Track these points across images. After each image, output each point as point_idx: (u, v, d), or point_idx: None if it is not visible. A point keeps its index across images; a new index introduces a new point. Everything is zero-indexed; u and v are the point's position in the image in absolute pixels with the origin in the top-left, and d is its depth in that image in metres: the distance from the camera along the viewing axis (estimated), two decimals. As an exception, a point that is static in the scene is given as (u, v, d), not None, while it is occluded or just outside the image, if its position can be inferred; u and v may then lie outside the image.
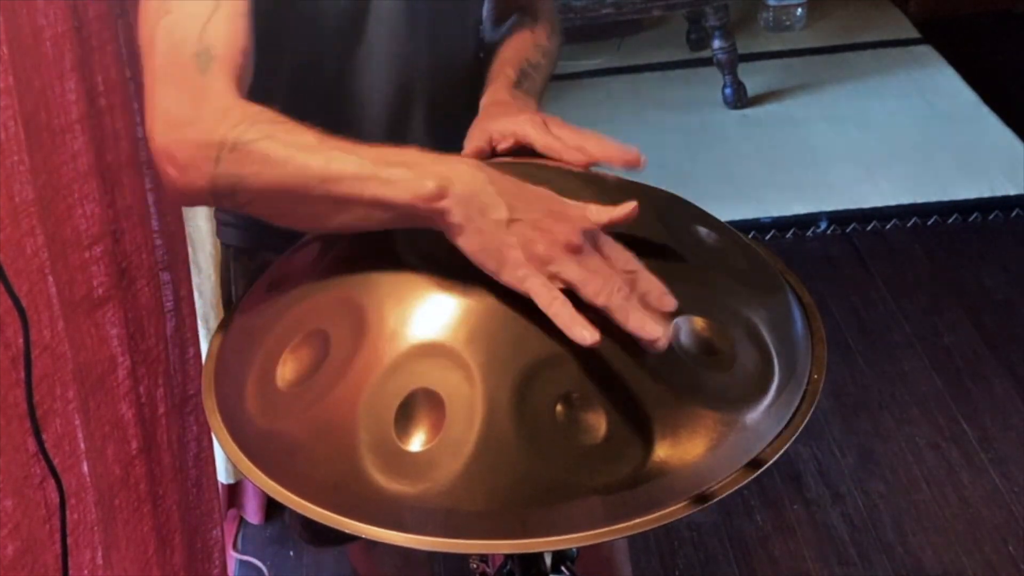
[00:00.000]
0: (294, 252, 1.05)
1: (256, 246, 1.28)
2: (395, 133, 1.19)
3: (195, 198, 0.97)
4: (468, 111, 1.15)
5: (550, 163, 1.04)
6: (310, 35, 1.12)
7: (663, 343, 0.81)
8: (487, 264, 0.85)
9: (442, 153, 0.89)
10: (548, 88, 1.26)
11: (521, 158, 1.06)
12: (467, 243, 0.85)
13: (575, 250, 0.84)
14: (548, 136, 1.06)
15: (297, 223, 0.95)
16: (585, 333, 0.80)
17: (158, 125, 0.94)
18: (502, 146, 1.08)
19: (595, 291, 0.82)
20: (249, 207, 0.93)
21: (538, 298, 0.83)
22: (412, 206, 0.85)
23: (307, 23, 1.11)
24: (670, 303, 0.84)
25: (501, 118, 1.10)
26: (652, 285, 0.84)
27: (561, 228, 0.84)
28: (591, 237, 0.85)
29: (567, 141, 1.05)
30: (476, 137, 1.09)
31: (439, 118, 1.22)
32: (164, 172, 0.94)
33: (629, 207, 0.88)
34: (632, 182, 1.06)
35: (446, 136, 1.14)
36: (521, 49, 1.23)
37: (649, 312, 0.82)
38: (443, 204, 0.85)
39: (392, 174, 0.86)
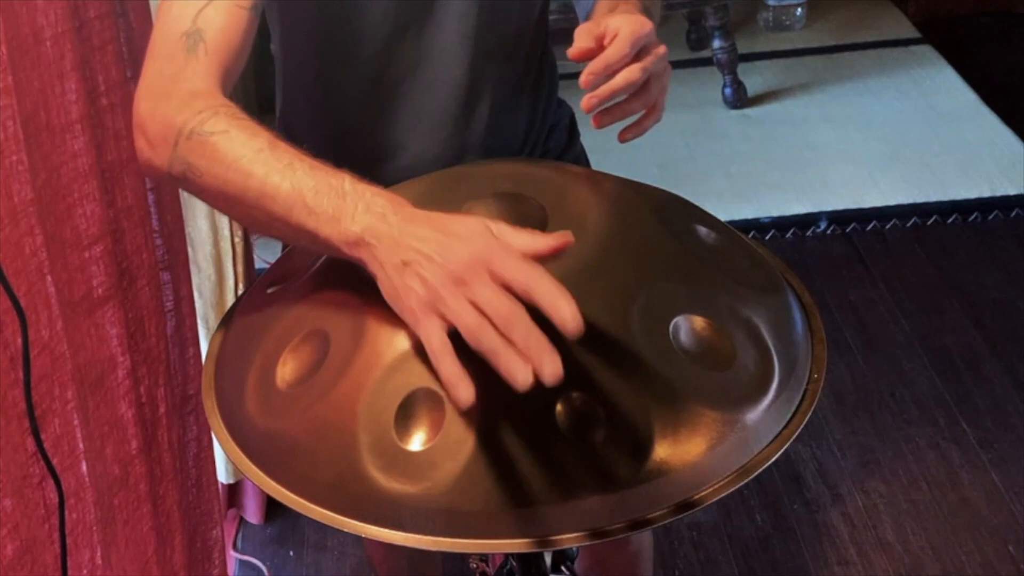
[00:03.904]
0: (293, 252, 1.05)
1: None
2: (463, 116, 1.19)
3: (156, 176, 0.96)
4: (530, 92, 1.12)
5: (551, 163, 1.04)
6: (380, 25, 1.12)
7: (528, 382, 0.73)
8: (399, 313, 0.81)
9: (378, 186, 0.85)
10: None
11: (528, 160, 1.06)
12: (383, 289, 0.82)
13: (459, 283, 0.76)
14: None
15: (241, 222, 0.92)
16: (460, 395, 0.74)
17: (140, 95, 0.95)
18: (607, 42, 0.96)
19: (469, 332, 0.74)
20: (198, 196, 0.93)
21: (428, 348, 0.77)
22: (334, 246, 0.84)
23: (378, 14, 1.11)
24: (574, 327, 0.74)
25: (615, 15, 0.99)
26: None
27: (450, 260, 0.77)
28: (485, 264, 0.76)
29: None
30: (583, 37, 0.97)
31: (504, 99, 1.21)
32: (136, 142, 0.94)
33: (561, 240, 0.79)
34: (631, 181, 1.06)
35: (505, 116, 1.13)
36: None
37: (534, 343, 0.73)
38: (362, 253, 0.82)
39: (320, 205, 0.83)
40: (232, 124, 0.89)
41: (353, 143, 1.21)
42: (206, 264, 1.76)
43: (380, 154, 1.20)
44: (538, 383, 0.72)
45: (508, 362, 0.73)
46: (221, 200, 0.91)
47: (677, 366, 0.86)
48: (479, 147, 1.20)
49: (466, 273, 0.76)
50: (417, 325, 0.78)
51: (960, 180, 2.99)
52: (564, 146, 1.35)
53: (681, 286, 0.90)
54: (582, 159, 1.39)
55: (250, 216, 0.88)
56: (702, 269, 0.94)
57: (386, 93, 1.18)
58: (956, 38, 3.72)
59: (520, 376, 0.72)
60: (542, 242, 0.79)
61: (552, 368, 0.72)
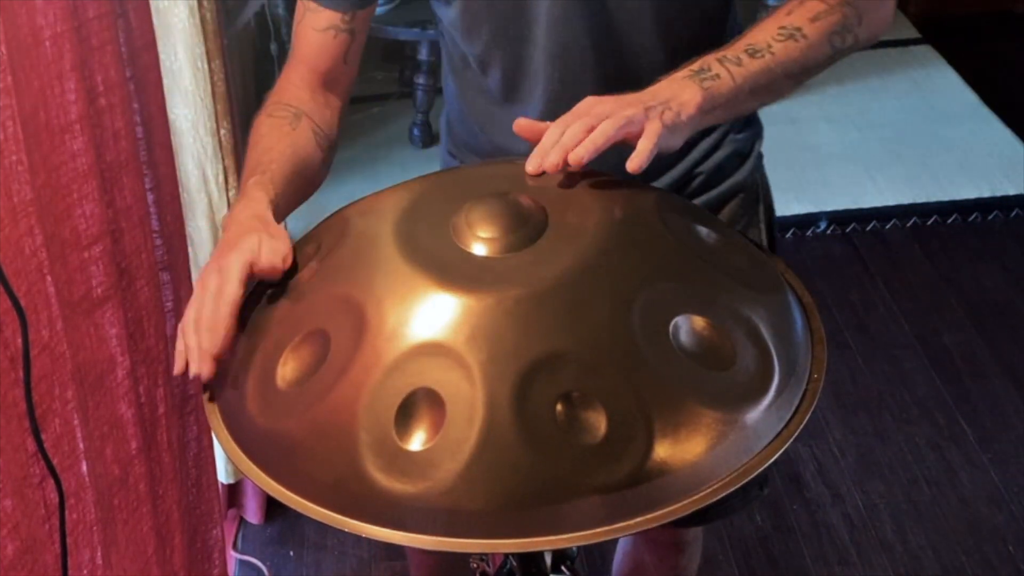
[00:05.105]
0: (293, 252, 1.05)
1: None
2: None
3: None
4: None
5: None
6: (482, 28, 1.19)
7: (181, 371, 0.97)
8: None
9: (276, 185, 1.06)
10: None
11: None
12: None
13: (200, 289, 0.98)
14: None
15: None
16: (192, 368, 0.96)
17: None
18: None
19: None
20: None
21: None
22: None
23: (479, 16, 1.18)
24: None
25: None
26: None
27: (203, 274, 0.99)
28: (208, 278, 0.97)
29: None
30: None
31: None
32: None
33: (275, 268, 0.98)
34: (632, 181, 1.06)
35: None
36: (753, 35, 1.07)
37: (196, 350, 0.95)
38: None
39: (242, 190, 1.07)
40: (265, 128, 1.13)
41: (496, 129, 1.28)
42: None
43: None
44: None
45: (182, 356, 0.96)
46: None
47: (677, 366, 0.86)
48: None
49: (200, 284, 0.98)
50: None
51: (960, 180, 2.99)
52: (731, 168, 1.27)
53: (681, 286, 0.90)
54: (752, 191, 1.30)
55: None
56: (702, 269, 0.94)
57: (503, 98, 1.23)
58: (956, 38, 3.72)
59: (181, 367, 0.96)
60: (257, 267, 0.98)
61: (198, 369, 0.94)
